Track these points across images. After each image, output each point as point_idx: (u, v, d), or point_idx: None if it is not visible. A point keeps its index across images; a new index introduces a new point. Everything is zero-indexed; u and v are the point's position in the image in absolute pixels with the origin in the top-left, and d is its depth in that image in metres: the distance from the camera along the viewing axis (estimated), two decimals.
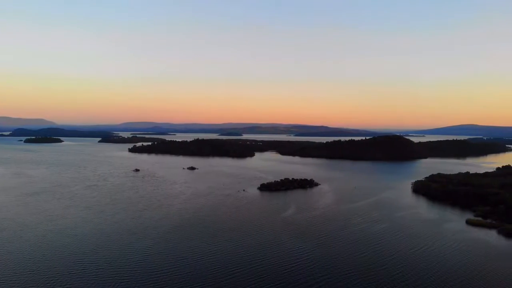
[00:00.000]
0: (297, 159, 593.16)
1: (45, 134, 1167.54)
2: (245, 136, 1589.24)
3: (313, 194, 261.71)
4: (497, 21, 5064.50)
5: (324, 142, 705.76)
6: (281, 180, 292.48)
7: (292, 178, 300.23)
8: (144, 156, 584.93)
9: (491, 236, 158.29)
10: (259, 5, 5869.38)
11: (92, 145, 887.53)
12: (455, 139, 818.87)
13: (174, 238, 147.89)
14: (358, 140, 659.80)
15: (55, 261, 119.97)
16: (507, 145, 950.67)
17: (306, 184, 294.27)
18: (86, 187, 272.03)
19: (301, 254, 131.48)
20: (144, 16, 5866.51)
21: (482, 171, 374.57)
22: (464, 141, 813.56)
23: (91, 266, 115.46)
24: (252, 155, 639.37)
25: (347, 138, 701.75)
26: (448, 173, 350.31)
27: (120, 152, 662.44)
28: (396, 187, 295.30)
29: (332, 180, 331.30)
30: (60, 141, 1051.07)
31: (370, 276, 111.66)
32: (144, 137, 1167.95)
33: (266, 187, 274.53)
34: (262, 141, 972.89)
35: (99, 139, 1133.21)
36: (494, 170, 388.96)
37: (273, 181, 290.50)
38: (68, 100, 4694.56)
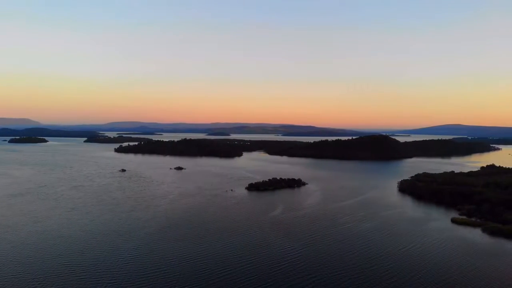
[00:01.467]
0: (284, 158, 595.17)
1: (30, 134, 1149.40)
2: (233, 136, 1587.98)
3: (300, 194, 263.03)
4: (483, 22, 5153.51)
5: (312, 142, 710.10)
6: (269, 179, 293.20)
7: (280, 178, 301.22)
8: (131, 156, 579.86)
9: (476, 235, 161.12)
10: (246, 4, 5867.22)
11: (77, 145, 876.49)
12: (440, 138, 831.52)
13: (162, 239, 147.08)
14: (345, 140, 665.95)
15: (40, 263, 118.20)
16: (491, 145, 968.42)
17: (294, 183, 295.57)
18: (72, 188, 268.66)
19: (290, 253, 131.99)
20: (131, 17, 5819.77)
21: (466, 170, 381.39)
22: (449, 140, 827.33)
23: (77, 268, 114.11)
24: (240, 155, 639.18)
25: (334, 138, 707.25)
26: (434, 172, 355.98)
27: (106, 152, 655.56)
28: (382, 186, 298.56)
29: (319, 179, 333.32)
30: (45, 141, 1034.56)
31: (358, 275, 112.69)
32: (130, 137, 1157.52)
33: (254, 187, 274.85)
34: (250, 141, 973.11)
35: (85, 139, 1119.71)
36: (479, 169, 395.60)
37: (261, 180, 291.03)
38: (53, 100, 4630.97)
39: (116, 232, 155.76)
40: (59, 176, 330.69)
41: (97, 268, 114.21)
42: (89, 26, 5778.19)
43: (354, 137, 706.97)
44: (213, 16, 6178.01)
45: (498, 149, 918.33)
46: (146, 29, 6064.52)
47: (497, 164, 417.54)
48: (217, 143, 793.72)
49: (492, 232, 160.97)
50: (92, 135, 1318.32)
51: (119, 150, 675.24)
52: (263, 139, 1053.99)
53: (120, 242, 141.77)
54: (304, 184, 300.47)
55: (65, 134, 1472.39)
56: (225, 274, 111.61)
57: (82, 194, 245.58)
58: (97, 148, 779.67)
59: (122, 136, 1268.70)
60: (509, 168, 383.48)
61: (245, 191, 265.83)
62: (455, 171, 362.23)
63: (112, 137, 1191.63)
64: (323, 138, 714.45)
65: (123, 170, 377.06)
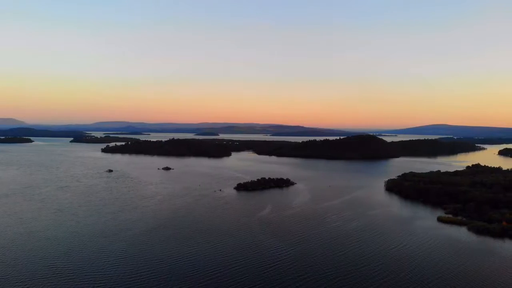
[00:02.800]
0: (273, 158, 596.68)
1: (15, 134, 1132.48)
2: (221, 136, 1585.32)
3: (289, 193, 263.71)
4: (469, 23, 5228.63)
5: (300, 142, 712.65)
6: (257, 179, 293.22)
7: (269, 178, 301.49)
8: (118, 157, 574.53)
9: (462, 233, 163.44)
10: (234, 4, 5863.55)
11: (64, 145, 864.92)
12: (426, 138, 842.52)
13: (150, 240, 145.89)
14: (333, 140, 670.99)
15: (26, 266, 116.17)
16: (476, 145, 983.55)
17: (282, 183, 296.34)
18: (58, 189, 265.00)
19: (279, 253, 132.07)
20: (119, 16, 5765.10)
21: (452, 169, 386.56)
22: (435, 140, 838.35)
23: (63, 270, 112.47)
24: (228, 155, 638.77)
25: (322, 138, 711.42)
26: (420, 171, 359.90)
27: (93, 152, 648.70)
28: (370, 186, 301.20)
29: (307, 179, 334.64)
30: (31, 141, 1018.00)
31: (348, 275, 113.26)
32: (117, 137, 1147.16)
33: (243, 187, 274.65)
34: (238, 141, 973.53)
35: (71, 139, 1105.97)
36: (464, 168, 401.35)
37: (249, 180, 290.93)
38: (39, 99, 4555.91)
39: (103, 233, 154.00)
40: (45, 177, 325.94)
41: (83, 270, 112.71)
42: (75, 24, 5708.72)
43: (341, 137, 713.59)
44: (201, 16, 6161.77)
45: (483, 148, 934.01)
46: (134, 29, 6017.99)
47: (482, 164, 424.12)
48: (205, 143, 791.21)
49: (478, 231, 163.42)
50: (79, 135, 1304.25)
51: (106, 150, 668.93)
52: (252, 139, 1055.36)
53: (107, 243, 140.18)
54: (292, 183, 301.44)
55: (51, 134, 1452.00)
56: (215, 275, 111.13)
57: (69, 195, 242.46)
58: (84, 148, 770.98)
59: (109, 136, 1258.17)
60: (494, 167, 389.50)
61: (234, 191, 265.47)
62: (441, 171, 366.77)
63: (98, 137, 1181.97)
64: (312, 138, 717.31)
65: (110, 171, 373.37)
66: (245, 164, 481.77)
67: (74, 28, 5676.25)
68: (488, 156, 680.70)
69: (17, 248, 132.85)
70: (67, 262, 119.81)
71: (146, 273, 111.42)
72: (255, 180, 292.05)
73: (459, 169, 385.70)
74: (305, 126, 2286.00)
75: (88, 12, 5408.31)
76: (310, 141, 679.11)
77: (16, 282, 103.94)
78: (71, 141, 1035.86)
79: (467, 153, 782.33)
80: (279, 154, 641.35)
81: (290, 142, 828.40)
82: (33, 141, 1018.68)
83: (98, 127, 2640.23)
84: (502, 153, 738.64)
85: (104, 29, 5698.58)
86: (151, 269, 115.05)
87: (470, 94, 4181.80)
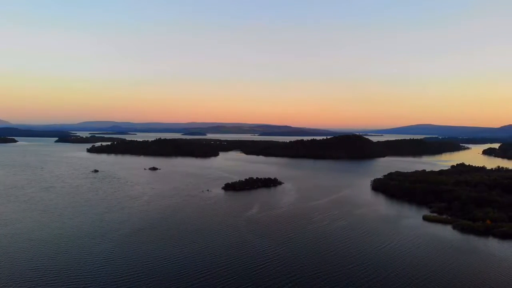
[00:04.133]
0: (261, 158, 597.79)
1: None
2: (209, 136, 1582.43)
3: (277, 193, 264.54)
4: (456, 24, 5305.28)
5: (288, 141, 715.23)
6: (245, 179, 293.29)
7: (257, 177, 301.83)
8: (104, 157, 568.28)
9: (447, 231, 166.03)
10: (221, 4, 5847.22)
11: (48, 145, 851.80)
12: (412, 138, 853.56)
13: (137, 241, 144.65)
14: (320, 140, 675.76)
15: (10, 268, 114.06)
16: (461, 144, 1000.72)
17: (270, 183, 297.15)
18: (43, 189, 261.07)
19: (267, 253, 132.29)
20: (105, 15, 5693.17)
21: (437, 169, 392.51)
22: (420, 140, 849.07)
23: (49, 273, 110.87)
24: (216, 154, 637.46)
25: (309, 138, 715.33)
26: (406, 171, 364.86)
27: (78, 152, 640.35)
28: (356, 185, 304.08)
29: (295, 178, 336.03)
30: (15, 141, 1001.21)
31: (334, 273, 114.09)
32: (103, 137, 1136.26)
33: (230, 187, 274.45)
34: (226, 141, 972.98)
35: (56, 139, 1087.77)
36: (449, 168, 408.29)
37: (237, 180, 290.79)
38: (23, 98, 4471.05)
39: (89, 234, 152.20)
40: (30, 177, 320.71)
41: (69, 272, 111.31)
42: (59, 23, 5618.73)
43: (328, 137, 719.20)
44: (186, 15, 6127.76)
45: (468, 148, 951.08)
46: (118, 29, 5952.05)
47: (466, 163, 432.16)
48: (193, 143, 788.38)
49: (463, 229, 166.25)
50: (64, 135, 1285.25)
51: (91, 150, 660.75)
52: (239, 139, 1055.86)
53: (94, 245, 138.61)
54: (280, 183, 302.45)
55: (36, 134, 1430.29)
56: (203, 276, 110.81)
57: (54, 195, 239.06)
58: (69, 148, 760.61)
59: (94, 136, 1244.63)
60: (478, 166, 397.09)
61: (222, 191, 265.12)
62: (427, 170, 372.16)
63: (84, 137, 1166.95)
64: (299, 138, 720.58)
65: (96, 171, 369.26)
66: (232, 164, 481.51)
67: (58, 27, 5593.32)
68: (473, 156, 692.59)
69: (0, 251, 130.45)
70: (53, 264, 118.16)
71: (134, 274, 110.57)
72: (243, 180, 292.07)
73: (444, 169, 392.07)
74: (292, 126, 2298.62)
75: (73, 11, 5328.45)
76: (297, 141, 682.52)
77: (1, 285, 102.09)
78: (56, 141, 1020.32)
79: (452, 152, 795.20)
80: (267, 154, 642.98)
81: (278, 142, 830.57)
82: (17, 141, 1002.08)
83: (83, 126, 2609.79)
84: (486, 152, 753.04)
85: (90, 28, 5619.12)
86: (138, 270, 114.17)
87: (455, 95, 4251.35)
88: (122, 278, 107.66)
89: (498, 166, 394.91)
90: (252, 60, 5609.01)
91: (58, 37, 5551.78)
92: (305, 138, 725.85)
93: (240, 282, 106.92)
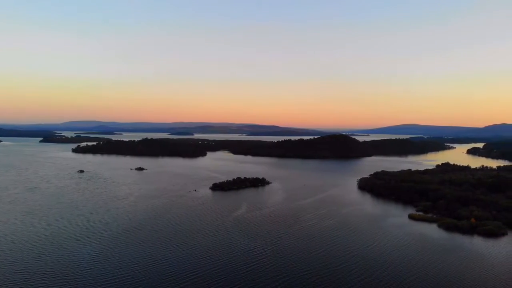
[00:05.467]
0: (249, 158, 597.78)
1: None
2: (196, 136, 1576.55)
3: (265, 193, 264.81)
4: (443, 24, 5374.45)
5: (275, 141, 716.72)
6: (233, 179, 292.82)
7: (244, 177, 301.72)
8: (89, 157, 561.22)
9: (432, 230, 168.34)
10: (208, 4, 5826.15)
11: (33, 145, 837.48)
12: (397, 138, 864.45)
13: (124, 242, 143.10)
14: (307, 140, 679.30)
15: None
16: (445, 144, 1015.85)
17: (258, 182, 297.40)
18: (28, 190, 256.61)
19: (256, 253, 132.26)
20: (89, 14, 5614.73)
21: (423, 168, 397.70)
22: (406, 140, 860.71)
23: (34, 275, 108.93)
24: (203, 154, 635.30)
25: (297, 138, 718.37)
26: (391, 170, 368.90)
27: (63, 152, 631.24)
28: (343, 184, 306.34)
29: (282, 178, 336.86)
30: None
31: (321, 272, 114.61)
32: (88, 137, 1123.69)
33: (218, 187, 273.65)
34: (214, 141, 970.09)
35: (40, 139, 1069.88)
36: (434, 167, 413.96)
37: (225, 180, 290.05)
38: (7, 98, 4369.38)
39: (75, 236, 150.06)
40: (14, 178, 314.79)
41: (55, 275, 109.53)
42: (44, 22, 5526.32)
43: (315, 137, 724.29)
44: (171, 16, 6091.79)
45: (452, 147, 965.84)
46: (105, 28, 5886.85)
47: (451, 162, 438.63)
48: (180, 142, 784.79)
49: (448, 228, 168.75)
50: (48, 134, 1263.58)
51: (77, 150, 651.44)
52: (227, 139, 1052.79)
53: (80, 246, 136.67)
54: (268, 183, 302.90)
55: (20, 133, 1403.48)
56: (191, 277, 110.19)
57: (39, 196, 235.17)
58: (54, 148, 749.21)
59: (80, 136, 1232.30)
60: (462, 165, 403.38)
61: (209, 191, 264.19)
62: (412, 169, 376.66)
63: (69, 137, 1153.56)
64: (287, 138, 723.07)
65: (82, 171, 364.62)
66: (220, 164, 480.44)
67: (43, 27, 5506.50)
68: (457, 155, 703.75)
69: None
70: (38, 266, 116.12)
71: (121, 276, 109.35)
72: (231, 180, 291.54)
73: (429, 168, 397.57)
74: (280, 126, 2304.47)
75: (57, 10, 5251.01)
76: (285, 140, 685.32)
77: None
78: (40, 141, 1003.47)
79: (437, 152, 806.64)
80: (254, 154, 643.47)
81: (266, 141, 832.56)
82: (1, 141, 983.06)
83: (68, 126, 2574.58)
84: (470, 152, 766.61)
85: (75, 28, 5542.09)
86: (125, 272, 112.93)
87: (440, 95, 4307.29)
88: (109, 280, 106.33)
89: (482, 165, 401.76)
90: (239, 60, 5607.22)
91: (42, 36, 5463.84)
92: (293, 138, 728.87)
93: (229, 283, 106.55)
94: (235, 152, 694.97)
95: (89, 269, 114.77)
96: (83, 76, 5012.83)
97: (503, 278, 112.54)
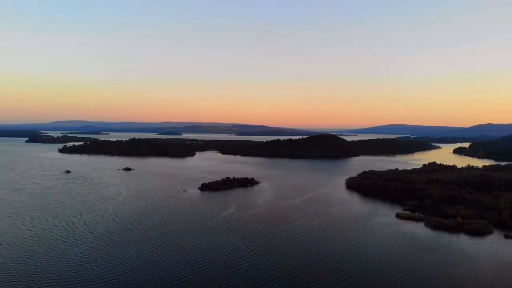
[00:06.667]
0: (238, 158, 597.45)
1: None
2: (185, 136, 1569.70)
3: (254, 193, 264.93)
4: (431, 23, 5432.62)
5: (264, 141, 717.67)
6: (222, 179, 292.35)
7: (233, 177, 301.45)
8: (76, 157, 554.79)
9: (419, 228, 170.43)
10: (192, 3, 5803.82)
11: (18, 146, 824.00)
12: (385, 138, 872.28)
13: (112, 243, 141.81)
14: (296, 140, 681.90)
15: None
16: (432, 143, 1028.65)
17: (247, 182, 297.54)
18: (14, 191, 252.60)
19: (245, 253, 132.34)
20: (79, 14, 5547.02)
21: (410, 167, 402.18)
22: (393, 139, 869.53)
23: (20, 277, 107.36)
24: (192, 154, 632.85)
25: (286, 138, 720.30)
26: (379, 169, 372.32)
27: (50, 152, 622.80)
28: (331, 184, 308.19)
29: (272, 178, 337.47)
30: None
31: (311, 271, 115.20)
32: (75, 137, 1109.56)
33: (207, 187, 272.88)
34: (202, 141, 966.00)
35: (26, 139, 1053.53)
36: (421, 166, 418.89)
37: (214, 180, 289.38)
38: None
39: (61, 237, 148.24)
40: (0, 179, 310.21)
41: (42, 277, 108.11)
42: (30, 22, 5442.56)
43: (304, 137, 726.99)
44: (159, 15, 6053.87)
45: (439, 147, 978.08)
46: (94, 28, 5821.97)
47: (438, 162, 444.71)
48: (168, 142, 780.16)
49: (435, 226, 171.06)
50: (34, 134, 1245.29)
51: (63, 150, 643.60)
52: (216, 139, 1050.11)
53: (67, 248, 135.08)
54: (257, 183, 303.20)
55: (5, 133, 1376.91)
56: (180, 278, 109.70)
57: (25, 197, 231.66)
58: (40, 148, 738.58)
59: (66, 135, 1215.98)
60: (449, 165, 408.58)
61: (198, 192, 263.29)
62: (399, 169, 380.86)
63: (55, 136, 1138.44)
64: (276, 138, 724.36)
65: (68, 172, 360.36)
66: (209, 164, 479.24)
67: (27, 25, 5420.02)
68: (444, 155, 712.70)
69: None
70: (24, 268, 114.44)
71: (109, 278, 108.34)
72: (220, 180, 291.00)
73: (416, 167, 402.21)
74: (269, 126, 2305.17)
75: (41, 8, 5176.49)
76: (274, 140, 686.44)
77: None
78: (26, 141, 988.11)
79: (423, 151, 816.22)
80: (243, 154, 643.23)
81: (255, 141, 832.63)
82: None
83: (55, 126, 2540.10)
84: (457, 151, 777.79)
85: (63, 28, 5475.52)
86: (113, 273, 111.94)
87: (427, 95, 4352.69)
88: (97, 282, 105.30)
89: (468, 165, 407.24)
90: (228, 60, 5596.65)
91: (28, 35, 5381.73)
92: (282, 137, 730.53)
93: (219, 284, 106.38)
94: (224, 152, 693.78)
95: (77, 270, 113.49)
96: (70, 76, 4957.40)
97: (489, 276, 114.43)
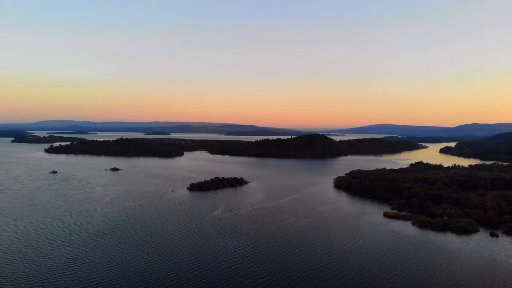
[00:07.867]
0: (227, 158, 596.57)
1: None
2: (173, 135, 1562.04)
3: (243, 192, 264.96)
4: (415, 23, 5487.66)
5: (253, 141, 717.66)
6: (211, 179, 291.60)
7: (222, 177, 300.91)
8: (63, 157, 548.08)
9: (406, 227, 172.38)
10: (181, 3, 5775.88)
11: (4, 146, 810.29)
12: (372, 137, 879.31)
13: (100, 245, 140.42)
14: (285, 139, 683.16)
15: None
16: (419, 143, 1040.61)
17: (236, 182, 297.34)
18: None
19: (235, 253, 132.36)
20: (66, 12, 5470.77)
21: (397, 167, 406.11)
22: (380, 139, 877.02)
23: (7, 280, 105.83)
24: (181, 154, 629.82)
25: (275, 137, 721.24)
26: (367, 169, 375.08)
27: (36, 152, 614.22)
28: (319, 183, 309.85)
29: (260, 177, 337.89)
30: None
31: (301, 272, 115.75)
32: (62, 137, 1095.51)
33: (196, 187, 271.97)
34: (191, 140, 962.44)
35: (12, 138, 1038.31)
36: (408, 166, 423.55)
37: (203, 180, 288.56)
38: None
39: (48, 239, 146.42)
40: None
41: (29, 279, 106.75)
42: (20, 21, 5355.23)
43: (293, 137, 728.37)
44: (149, 15, 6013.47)
45: (426, 147, 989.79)
46: (81, 27, 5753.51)
47: (424, 161, 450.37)
48: (156, 142, 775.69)
49: (421, 225, 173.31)
50: (20, 134, 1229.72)
51: (50, 150, 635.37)
52: (205, 139, 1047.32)
53: (54, 249, 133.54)
54: (246, 182, 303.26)
55: None
56: (170, 280, 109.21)
57: (11, 198, 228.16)
58: (26, 148, 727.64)
59: (53, 135, 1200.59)
60: (435, 164, 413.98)
61: (187, 192, 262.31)
62: (387, 168, 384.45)
63: (42, 136, 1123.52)
64: (265, 138, 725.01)
65: (55, 172, 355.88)
66: (198, 164, 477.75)
67: (14, 24, 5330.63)
68: (430, 154, 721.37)
69: None
70: (11, 271, 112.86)
71: (97, 280, 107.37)
72: (209, 179, 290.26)
73: (403, 167, 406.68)
74: (258, 125, 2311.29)
75: (28, 8, 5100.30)
76: (263, 140, 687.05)
77: None
78: (12, 141, 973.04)
79: (410, 151, 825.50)
80: (232, 153, 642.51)
81: (244, 141, 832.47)
82: None
83: (41, 126, 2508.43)
84: (443, 151, 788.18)
85: (49, 26, 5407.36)
86: (102, 275, 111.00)
87: (414, 96, 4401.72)
88: (84, 284, 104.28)
89: (454, 164, 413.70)
90: (216, 60, 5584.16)
91: (14, 34, 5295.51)
92: (271, 137, 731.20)
93: (209, 284, 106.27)
94: (213, 152, 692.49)
95: (64, 272, 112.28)
96: (56, 75, 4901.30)
97: (475, 273, 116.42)
